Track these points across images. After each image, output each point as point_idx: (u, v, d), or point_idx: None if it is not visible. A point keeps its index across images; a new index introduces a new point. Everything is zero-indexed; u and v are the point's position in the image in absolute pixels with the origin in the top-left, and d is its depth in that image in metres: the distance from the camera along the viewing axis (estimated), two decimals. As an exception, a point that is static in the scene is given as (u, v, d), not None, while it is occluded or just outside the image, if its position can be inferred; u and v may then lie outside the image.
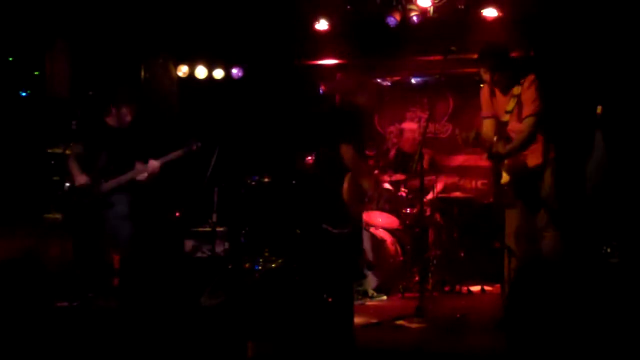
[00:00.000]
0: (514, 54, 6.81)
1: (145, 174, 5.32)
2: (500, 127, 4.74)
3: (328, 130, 5.81)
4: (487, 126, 4.99)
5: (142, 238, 5.39)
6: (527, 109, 4.67)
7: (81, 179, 5.24)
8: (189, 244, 6.79)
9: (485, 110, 5.01)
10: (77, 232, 5.25)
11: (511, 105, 4.67)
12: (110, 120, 5.44)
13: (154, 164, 5.33)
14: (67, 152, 5.34)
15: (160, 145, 5.57)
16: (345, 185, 6.34)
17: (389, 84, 8.36)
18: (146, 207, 5.63)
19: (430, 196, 6.68)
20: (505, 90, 4.79)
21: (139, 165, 5.33)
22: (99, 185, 5.23)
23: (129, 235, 5.25)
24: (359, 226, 6.02)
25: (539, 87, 4.70)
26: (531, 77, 4.70)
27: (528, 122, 4.66)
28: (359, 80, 7.65)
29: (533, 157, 4.72)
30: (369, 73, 8.17)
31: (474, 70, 7.69)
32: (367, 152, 6.12)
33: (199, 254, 6.74)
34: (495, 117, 4.94)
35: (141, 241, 5.38)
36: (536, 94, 4.66)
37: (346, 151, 5.52)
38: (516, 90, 4.67)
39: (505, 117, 4.71)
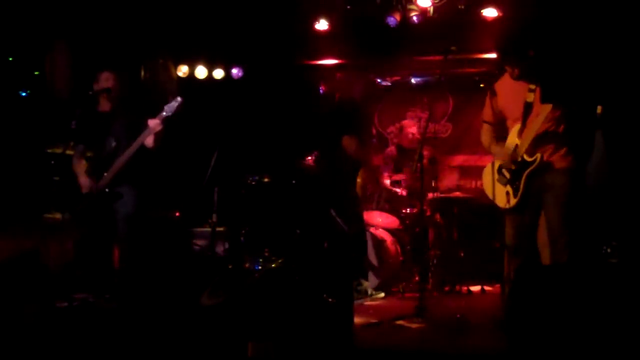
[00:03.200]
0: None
1: (151, 137, 5.14)
2: (527, 107, 4.55)
3: (330, 128, 5.83)
4: (484, 131, 4.96)
5: (142, 237, 5.39)
6: None
7: (85, 183, 5.22)
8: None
9: (486, 113, 4.95)
10: (84, 230, 5.24)
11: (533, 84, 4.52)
12: (102, 105, 5.38)
13: (153, 122, 5.14)
14: (68, 152, 5.34)
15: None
16: (359, 180, 6.35)
17: (389, 84, 8.37)
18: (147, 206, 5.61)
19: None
20: (528, 75, 4.62)
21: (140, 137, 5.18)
22: (101, 179, 5.20)
23: (129, 233, 5.24)
24: (363, 224, 6.04)
25: None
26: None
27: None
28: (356, 77, 7.68)
29: (562, 160, 4.58)
30: (369, 73, 8.19)
31: (474, 70, 7.75)
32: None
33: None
34: (495, 123, 4.86)
35: (141, 240, 5.37)
36: None
37: (350, 143, 5.55)
38: None
39: (530, 97, 4.54)
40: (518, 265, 4.70)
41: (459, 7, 6.46)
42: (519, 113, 4.64)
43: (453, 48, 5.22)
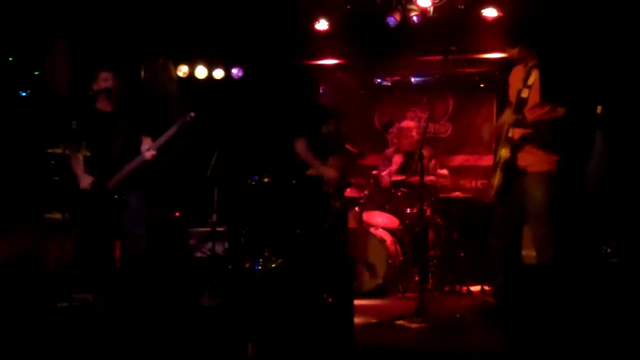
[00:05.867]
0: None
1: (148, 158, 5.24)
2: (519, 102, 4.54)
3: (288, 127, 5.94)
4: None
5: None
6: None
7: (85, 180, 5.23)
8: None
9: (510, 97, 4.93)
10: (84, 230, 5.25)
11: (532, 79, 4.50)
12: (100, 104, 5.38)
13: (150, 151, 5.24)
14: (67, 152, 5.34)
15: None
16: None
17: (389, 84, 8.37)
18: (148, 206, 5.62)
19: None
20: (524, 62, 4.66)
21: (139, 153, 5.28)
22: (106, 182, 5.22)
23: (143, 234, 5.27)
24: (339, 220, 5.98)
25: None
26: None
27: (562, 111, 4.52)
28: (329, 78, 7.68)
29: (540, 163, 4.59)
30: (368, 73, 8.19)
31: (474, 70, 7.75)
32: (351, 149, 6.16)
33: (199, 254, 6.77)
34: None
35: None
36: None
37: (298, 145, 5.64)
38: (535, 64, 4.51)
39: (525, 93, 4.52)
40: (501, 263, 4.74)
41: (459, 7, 6.47)
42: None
43: (453, 48, 5.23)
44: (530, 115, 4.54)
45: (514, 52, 4.73)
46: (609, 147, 5.44)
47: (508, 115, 4.56)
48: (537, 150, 4.57)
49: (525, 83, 4.56)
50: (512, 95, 4.82)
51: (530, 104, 4.55)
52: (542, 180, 4.52)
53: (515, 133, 4.61)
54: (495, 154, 4.81)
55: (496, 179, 4.65)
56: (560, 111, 4.50)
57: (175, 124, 5.28)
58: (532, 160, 4.57)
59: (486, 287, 6.38)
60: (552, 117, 4.51)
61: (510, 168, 4.58)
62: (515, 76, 4.84)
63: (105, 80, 5.31)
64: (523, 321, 4.18)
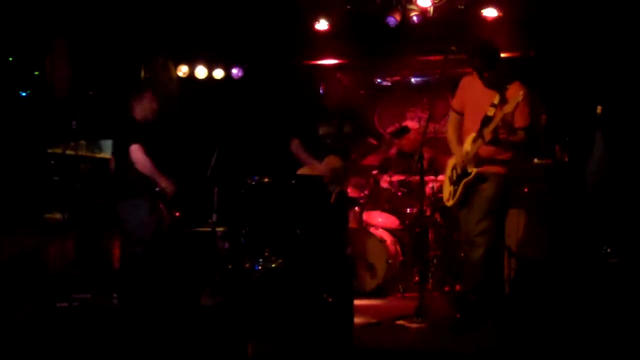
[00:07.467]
0: (514, 54, 6.87)
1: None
2: (485, 121, 4.66)
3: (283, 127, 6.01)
4: (452, 119, 5.07)
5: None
6: (522, 121, 4.67)
7: (166, 181, 5.45)
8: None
9: (455, 102, 5.05)
10: (84, 230, 5.28)
11: (497, 99, 4.63)
12: (139, 113, 5.45)
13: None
14: (68, 152, 5.34)
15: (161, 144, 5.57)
16: None
17: (389, 84, 8.37)
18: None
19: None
20: (492, 86, 4.74)
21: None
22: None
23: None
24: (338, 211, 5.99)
25: (531, 99, 4.72)
26: (524, 88, 4.65)
27: (522, 135, 4.69)
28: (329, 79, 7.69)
29: (495, 167, 4.75)
30: (368, 73, 8.18)
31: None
32: (372, 141, 6.18)
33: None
34: (461, 113, 4.97)
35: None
36: (529, 107, 4.68)
37: (293, 144, 5.72)
38: (508, 87, 4.62)
39: (491, 111, 4.65)
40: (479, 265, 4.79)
41: (459, 7, 6.47)
42: (477, 121, 4.74)
43: (453, 48, 5.24)
44: (502, 134, 4.68)
45: (482, 74, 4.78)
46: (609, 147, 5.44)
47: (487, 134, 4.63)
48: (495, 160, 4.74)
49: (493, 102, 4.65)
50: (457, 104, 4.99)
51: (494, 123, 4.62)
52: (496, 181, 4.73)
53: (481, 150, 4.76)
54: (455, 166, 4.92)
55: (458, 191, 4.81)
56: (521, 135, 4.68)
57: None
58: (490, 167, 4.74)
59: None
60: (513, 139, 4.71)
61: (476, 181, 4.75)
62: (470, 86, 4.91)
63: (150, 101, 5.46)
64: (525, 320, 4.19)
